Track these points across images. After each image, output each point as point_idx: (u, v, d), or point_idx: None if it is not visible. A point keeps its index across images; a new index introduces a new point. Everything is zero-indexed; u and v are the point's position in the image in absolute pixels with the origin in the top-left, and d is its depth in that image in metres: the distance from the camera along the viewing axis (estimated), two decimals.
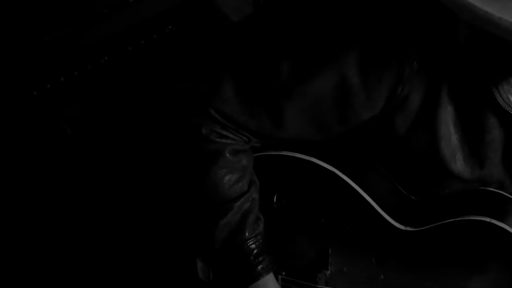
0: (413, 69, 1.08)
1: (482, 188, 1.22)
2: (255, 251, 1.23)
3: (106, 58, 1.62)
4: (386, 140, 1.17)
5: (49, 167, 1.66)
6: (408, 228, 1.22)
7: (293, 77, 1.13)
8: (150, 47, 1.65)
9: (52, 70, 1.60)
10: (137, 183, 1.70)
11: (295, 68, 1.13)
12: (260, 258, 1.24)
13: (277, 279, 1.31)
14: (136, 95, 1.65)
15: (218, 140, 1.19)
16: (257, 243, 1.24)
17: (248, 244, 1.23)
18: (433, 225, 1.19)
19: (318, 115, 1.15)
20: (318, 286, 1.32)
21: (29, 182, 1.67)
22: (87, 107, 1.63)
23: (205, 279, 1.37)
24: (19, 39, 1.56)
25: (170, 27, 1.66)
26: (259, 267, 1.23)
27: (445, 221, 1.18)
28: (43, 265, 1.74)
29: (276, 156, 1.27)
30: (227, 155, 1.20)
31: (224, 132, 1.19)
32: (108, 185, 1.70)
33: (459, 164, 1.16)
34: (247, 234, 1.23)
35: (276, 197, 1.30)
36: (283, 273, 1.34)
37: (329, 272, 1.30)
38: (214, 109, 1.17)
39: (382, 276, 1.27)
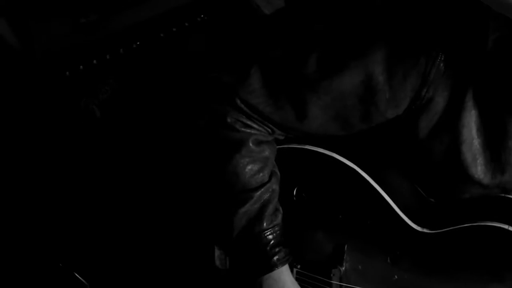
0: (439, 71, 1.09)
1: (502, 195, 1.22)
2: (272, 242, 1.25)
3: (138, 43, 1.65)
4: (408, 141, 1.18)
5: (77, 148, 1.69)
6: (425, 230, 1.22)
7: (320, 72, 1.14)
8: (181, 35, 1.67)
9: (86, 52, 1.63)
10: (158, 170, 1.72)
11: (322, 63, 1.14)
12: (277, 249, 1.25)
13: (292, 271, 1.33)
14: (164, 82, 1.67)
15: (242, 129, 1.21)
16: (274, 234, 1.25)
17: (266, 234, 1.25)
18: (450, 228, 1.20)
19: (341, 111, 1.16)
20: (332, 281, 1.32)
21: (55, 163, 1.71)
22: (116, 90, 1.66)
23: (222, 267, 1.39)
24: (55, 20, 1.60)
25: (202, 16, 1.68)
26: (274, 258, 1.25)
27: (463, 225, 1.19)
28: (65, 244, 1.77)
29: (299, 150, 1.29)
30: (251, 144, 1.21)
31: (249, 122, 1.21)
32: (130, 170, 1.72)
33: (479, 169, 1.16)
34: (265, 224, 1.24)
35: (296, 190, 1.31)
36: (298, 266, 1.36)
37: (343, 268, 1.31)
38: (240, 99, 1.19)
39: (396, 277, 1.27)
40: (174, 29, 1.66)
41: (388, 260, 1.27)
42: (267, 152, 1.24)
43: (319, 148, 1.27)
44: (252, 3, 1.66)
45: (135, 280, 1.75)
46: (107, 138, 1.68)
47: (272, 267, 1.25)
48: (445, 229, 1.20)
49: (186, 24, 1.67)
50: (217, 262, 1.41)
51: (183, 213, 1.54)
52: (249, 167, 1.22)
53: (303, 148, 1.28)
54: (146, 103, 1.66)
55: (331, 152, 1.26)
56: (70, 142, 1.68)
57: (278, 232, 1.26)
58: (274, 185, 1.26)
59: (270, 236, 1.25)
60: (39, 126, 1.69)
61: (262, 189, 1.23)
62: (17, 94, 1.66)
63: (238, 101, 1.19)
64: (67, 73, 1.62)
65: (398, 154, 1.23)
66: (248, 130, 1.21)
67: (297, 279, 1.36)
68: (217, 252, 1.40)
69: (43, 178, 1.73)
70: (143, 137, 1.68)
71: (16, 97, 1.66)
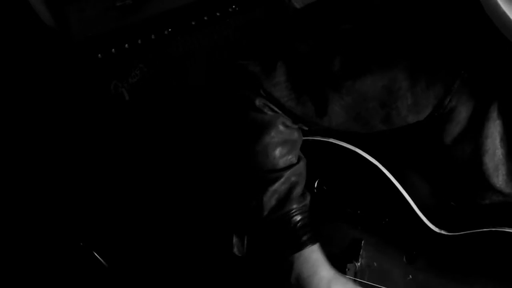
0: (464, 81, 1.09)
1: None
2: (301, 222, 1.25)
3: (169, 30, 1.67)
4: (431, 147, 1.18)
5: (104, 129, 1.72)
6: (443, 232, 1.23)
7: (344, 72, 1.16)
8: (212, 24, 1.69)
9: (118, 36, 1.66)
10: (183, 154, 1.74)
11: (347, 63, 1.16)
12: (306, 229, 1.25)
13: None
14: (193, 68, 1.70)
15: (270, 113, 1.22)
16: (303, 215, 1.25)
17: (295, 214, 1.24)
18: (468, 232, 1.20)
19: (362, 112, 1.17)
20: (346, 276, 1.33)
21: (81, 143, 1.74)
22: (146, 75, 1.69)
23: (240, 254, 1.40)
24: (91, 2, 1.62)
25: (233, 6, 1.70)
26: (304, 237, 1.24)
27: (481, 230, 1.19)
28: (87, 224, 1.80)
29: (323, 142, 1.30)
30: (280, 126, 1.23)
31: (276, 109, 1.22)
32: (153, 153, 1.74)
33: (501, 178, 1.16)
34: (294, 204, 1.24)
35: (318, 183, 1.32)
36: None
37: (359, 264, 1.31)
38: (264, 90, 1.20)
39: (410, 276, 1.27)
40: (205, 18, 1.68)
41: (404, 259, 1.27)
42: (296, 135, 1.26)
43: (343, 142, 1.28)
44: None
45: (153, 265, 1.77)
46: (134, 121, 1.71)
47: (302, 245, 1.24)
48: (463, 233, 1.20)
49: (218, 14, 1.69)
50: (235, 249, 1.42)
51: (204, 199, 1.56)
52: (278, 148, 1.23)
53: (327, 141, 1.30)
54: (174, 89, 1.68)
55: (354, 147, 1.27)
56: (98, 123, 1.71)
57: (307, 213, 1.26)
58: (302, 170, 1.27)
59: (300, 216, 1.24)
60: (70, 106, 1.72)
61: (291, 170, 1.24)
62: (51, 74, 1.70)
63: (262, 92, 1.21)
64: (99, 55, 1.65)
65: (420, 156, 1.24)
66: (277, 114, 1.22)
67: None
68: (235, 239, 1.42)
69: (70, 156, 1.76)
70: (170, 121, 1.70)
71: (49, 76, 1.70)
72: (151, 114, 1.70)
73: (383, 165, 1.25)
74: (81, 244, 1.73)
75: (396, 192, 1.24)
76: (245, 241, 1.43)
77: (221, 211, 1.46)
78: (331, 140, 1.29)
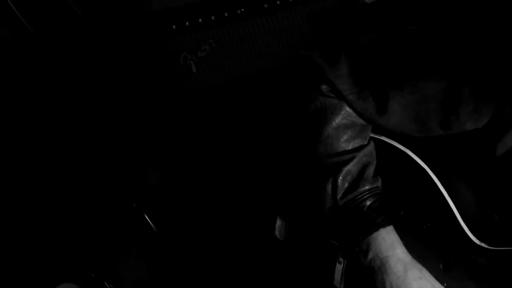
0: None
1: None
2: (376, 203, 1.25)
3: (242, 10, 1.71)
4: (483, 156, 1.17)
5: (172, 99, 1.78)
6: (483, 244, 1.21)
7: (407, 71, 1.16)
8: (284, 9, 1.71)
9: (193, 11, 1.71)
10: (244, 138, 1.77)
11: (411, 63, 1.15)
12: (380, 210, 1.25)
13: (342, 262, 1.35)
14: (260, 50, 1.73)
15: (337, 97, 1.24)
16: (377, 196, 1.25)
17: (369, 195, 1.24)
18: (509, 248, 1.18)
19: (422, 113, 1.17)
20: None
21: (149, 108, 1.80)
22: (214, 51, 1.73)
23: (280, 238, 1.43)
24: None
25: None
26: (379, 218, 1.24)
27: None
28: (142, 189, 1.86)
29: (375, 139, 1.30)
30: (348, 108, 1.24)
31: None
32: (208, 132, 1.79)
33: None
34: (367, 185, 1.25)
35: None
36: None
37: None
38: (328, 80, 1.22)
39: (445, 284, 1.26)
40: (278, 2, 1.70)
41: (441, 266, 1.26)
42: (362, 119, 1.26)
43: (394, 142, 1.28)
44: None
45: (196, 236, 1.82)
46: (199, 93, 1.76)
47: (378, 226, 1.23)
48: (504, 248, 1.18)
49: (290, 0, 1.71)
50: (277, 232, 1.45)
51: (255, 180, 1.59)
52: (349, 130, 1.25)
53: (379, 139, 1.30)
54: (236, 70, 1.72)
55: (405, 148, 1.27)
56: (164, 92, 1.76)
57: (379, 195, 1.26)
58: (373, 150, 1.27)
59: (373, 198, 1.25)
60: (139, 73, 1.78)
61: (362, 151, 1.25)
62: (125, 41, 1.76)
63: (326, 81, 1.23)
64: (174, 26, 1.71)
65: (470, 165, 1.22)
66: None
67: (348, 269, 1.37)
68: (278, 222, 1.45)
69: (134, 125, 1.83)
70: (231, 99, 1.74)
71: (122, 42, 1.76)
72: (213, 89, 1.75)
73: (431, 170, 1.24)
74: (134, 205, 1.80)
75: (441, 198, 1.23)
76: (287, 226, 1.46)
77: (269, 193, 1.49)
78: (383, 138, 1.29)
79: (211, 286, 1.74)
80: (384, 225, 1.23)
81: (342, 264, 1.35)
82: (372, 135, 1.31)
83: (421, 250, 1.28)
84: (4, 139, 1.75)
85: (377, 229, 1.23)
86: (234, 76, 1.75)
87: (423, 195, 1.25)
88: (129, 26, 1.71)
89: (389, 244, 1.23)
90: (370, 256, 1.23)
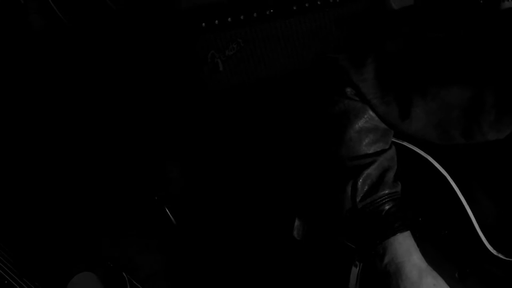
0: None
1: None
2: (394, 208, 1.25)
3: (271, 10, 1.73)
4: (504, 167, 1.17)
5: (194, 96, 1.80)
6: (500, 255, 1.20)
7: (432, 78, 1.16)
8: (312, 12, 1.72)
9: (223, 10, 1.73)
10: (266, 141, 1.78)
11: (436, 70, 1.16)
12: (399, 215, 1.25)
13: (358, 265, 1.35)
14: (287, 52, 1.74)
15: (361, 101, 1.25)
16: (395, 201, 1.25)
17: (387, 199, 1.25)
18: None
19: (444, 121, 1.17)
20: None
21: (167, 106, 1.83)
22: (242, 50, 1.75)
23: (298, 238, 1.44)
24: None
25: None
26: (397, 223, 1.24)
27: None
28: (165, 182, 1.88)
29: (396, 144, 1.30)
30: (371, 112, 1.25)
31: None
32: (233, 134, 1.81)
33: None
34: (387, 190, 1.25)
35: None
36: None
37: None
38: (352, 83, 1.23)
39: None
40: (306, 5, 1.72)
41: (456, 275, 1.26)
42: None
43: (416, 148, 1.28)
44: None
45: (214, 233, 1.83)
46: (224, 91, 1.77)
47: (395, 230, 1.24)
48: None
49: (319, 2, 1.73)
50: (295, 232, 1.46)
51: (277, 182, 1.60)
52: (371, 133, 1.25)
53: (401, 144, 1.30)
54: (263, 66, 1.73)
55: (426, 154, 1.27)
56: (188, 88, 1.79)
57: (398, 200, 1.26)
58: (394, 155, 1.28)
59: (392, 203, 1.25)
60: (168, 70, 1.80)
61: (383, 155, 1.25)
62: (154, 37, 1.78)
63: (351, 84, 1.24)
64: (203, 24, 1.73)
65: (491, 174, 1.22)
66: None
67: (364, 273, 1.37)
68: (296, 222, 1.45)
69: (157, 119, 1.85)
70: (254, 98, 1.76)
71: (151, 39, 1.79)
72: (239, 88, 1.76)
73: (451, 177, 1.24)
74: (156, 198, 1.82)
75: (459, 206, 1.23)
76: (306, 227, 1.47)
77: (289, 193, 1.50)
78: (405, 143, 1.29)
79: (225, 283, 1.76)
80: (401, 230, 1.23)
81: (357, 268, 1.36)
82: (394, 139, 1.31)
83: (437, 258, 1.28)
84: (39, 130, 1.78)
85: (394, 234, 1.23)
86: (260, 77, 1.76)
87: (442, 202, 1.26)
88: (161, 22, 1.74)
89: (405, 249, 1.23)
90: (385, 260, 1.23)
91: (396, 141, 1.31)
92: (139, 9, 1.78)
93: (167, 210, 1.80)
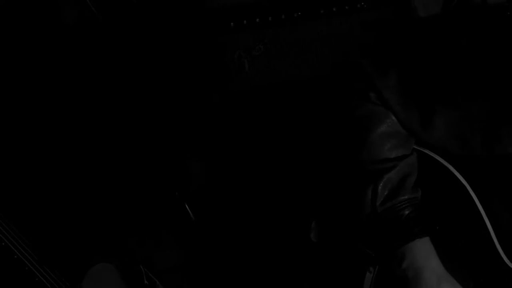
0: None
1: None
2: (413, 213, 1.25)
3: (299, 13, 1.74)
4: None
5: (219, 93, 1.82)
6: None
7: (455, 88, 1.16)
8: (339, 16, 1.73)
9: (252, 11, 1.75)
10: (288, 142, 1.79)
11: (459, 79, 1.16)
12: (418, 220, 1.25)
13: (373, 270, 1.35)
14: (312, 54, 1.75)
15: (384, 106, 1.25)
16: (415, 207, 1.25)
17: (407, 204, 1.25)
18: None
19: (465, 132, 1.17)
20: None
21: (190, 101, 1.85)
22: (268, 51, 1.76)
23: (315, 240, 1.44)
24: None
25: (362, 3, 1.74)
26: (416, 228, 1.24)
27: None
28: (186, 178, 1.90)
29: (418, 151, 1.30)
30: (393, 117, 1.25)
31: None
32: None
33: None
34: (407, 195, 1.25)
35: None
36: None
37: None
38: (376, 89, 1.23)
39: None
40: (334, 9, 1.72)
41: (471, 286, 1.26)
42: None
43: (437, 156, 1.28)
44: (410, 2, 1.67)
45: (232, 231, 1.84)
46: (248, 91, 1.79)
47: (415, 235, 1.23)
48: None
49: (346, 7, 1.74)
50: (312, 234, 1.47)
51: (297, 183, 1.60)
52: (392, 138, 1.25)
53: (423, 151, 1.30)
54: (289, 68, 1.74)
55: (447, 163, 1.26)
56: (213, 86, 1.80)
57: (418, 205, 1.26)
58: (415, 160, 1.27)
59: (411, 208, 1.25)
60: (195, 65, 1.82)
61: (404, 160, 1.25)
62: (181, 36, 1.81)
63: (374, 89, 1.24)
64: (232, 23, 1.75)
65: (511, 187, 1.22)
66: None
67: (378, 279, 1.37)
68: (313, 225, 1.46)
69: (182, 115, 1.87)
70: (277, 99, 1.77)
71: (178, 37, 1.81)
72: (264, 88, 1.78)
73: (471, 187, 1.23)
74: (176, 194, 1.84)
75: (478, 217, 1.23)
76: (323, 229, 1.47)
77: (308, 195, 1.50)
78: (426, 150, 1.29)
79: (238, 280, 1.77)
80: (420, 235, 1.23)
81: (372, 274, 1.36)
82: (415, 146, 1.31)
83: (452, 267, 1.27)
84: (74, 122, 1.81)
85: (413, 239, 1.23)
86: (285, 78, 1.77)
87: (460, 212, 1.25)
88: (191, 21, 1.76)
89: (424, 254, 1.23)
90: (404, 265, 1.23)
91: (418, 148, 1.31)
92: (165, 5, 1.80)
93: (187, 206, 1.82)
